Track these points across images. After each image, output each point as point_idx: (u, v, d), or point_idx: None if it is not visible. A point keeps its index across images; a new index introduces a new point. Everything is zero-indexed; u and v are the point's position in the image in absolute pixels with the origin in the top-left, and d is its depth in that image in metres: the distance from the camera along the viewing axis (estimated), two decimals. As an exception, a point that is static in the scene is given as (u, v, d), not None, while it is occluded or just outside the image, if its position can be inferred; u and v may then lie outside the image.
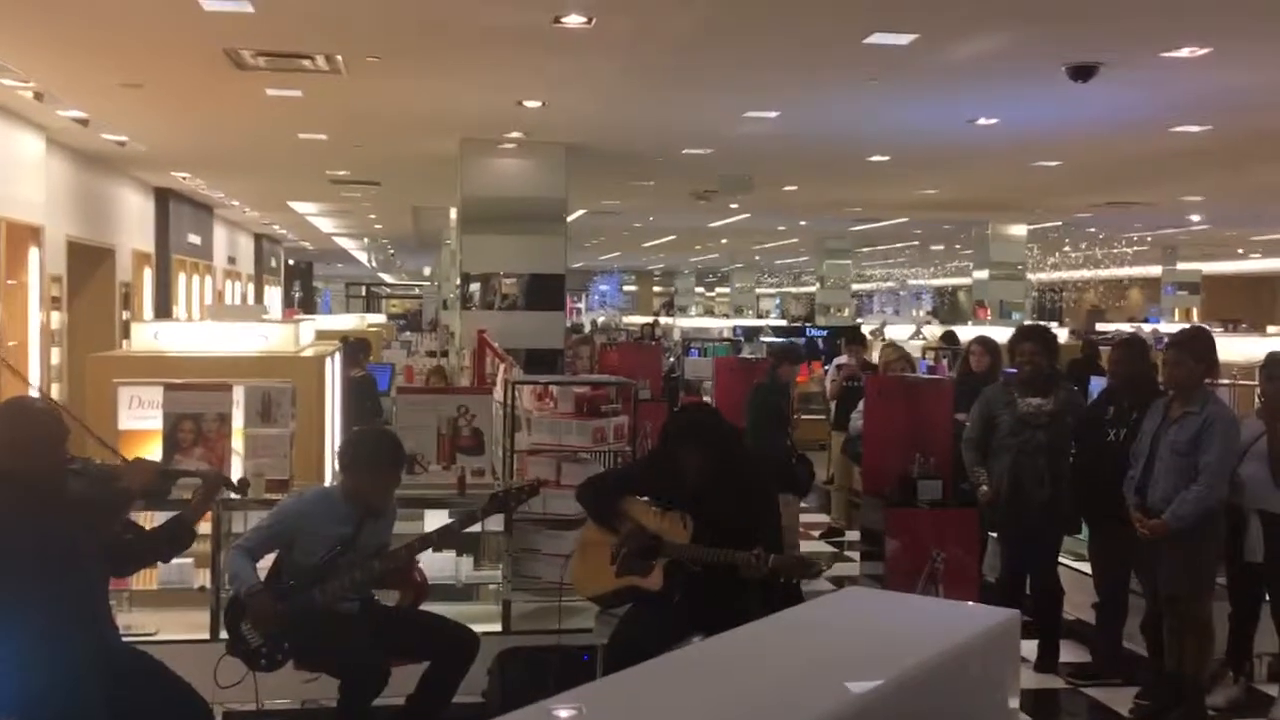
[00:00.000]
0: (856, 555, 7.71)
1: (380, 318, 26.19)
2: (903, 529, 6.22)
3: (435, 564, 5.14)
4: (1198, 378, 5.12)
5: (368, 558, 4.37)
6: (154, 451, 5.35)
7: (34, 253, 10.02)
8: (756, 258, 33.17)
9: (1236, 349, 8.44)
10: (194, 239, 17.52)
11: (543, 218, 11.15)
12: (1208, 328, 6.93)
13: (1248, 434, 5.32)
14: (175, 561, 5.00)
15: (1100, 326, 22.24)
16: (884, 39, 6.87)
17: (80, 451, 4.67)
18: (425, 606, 4.70)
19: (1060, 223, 20.08)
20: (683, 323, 26.25)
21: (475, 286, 11.06)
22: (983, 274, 20.04)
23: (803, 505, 9.05)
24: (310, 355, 6.70)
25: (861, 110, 9.48)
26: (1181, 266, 28.01)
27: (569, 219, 13.16)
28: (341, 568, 4.32)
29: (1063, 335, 15.90)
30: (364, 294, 43.59)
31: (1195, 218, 19.06)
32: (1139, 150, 11.16)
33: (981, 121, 9.69)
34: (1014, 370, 6.28)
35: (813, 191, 15.69)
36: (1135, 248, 24.58)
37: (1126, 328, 20.17)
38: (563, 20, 6.49)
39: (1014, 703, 2.09)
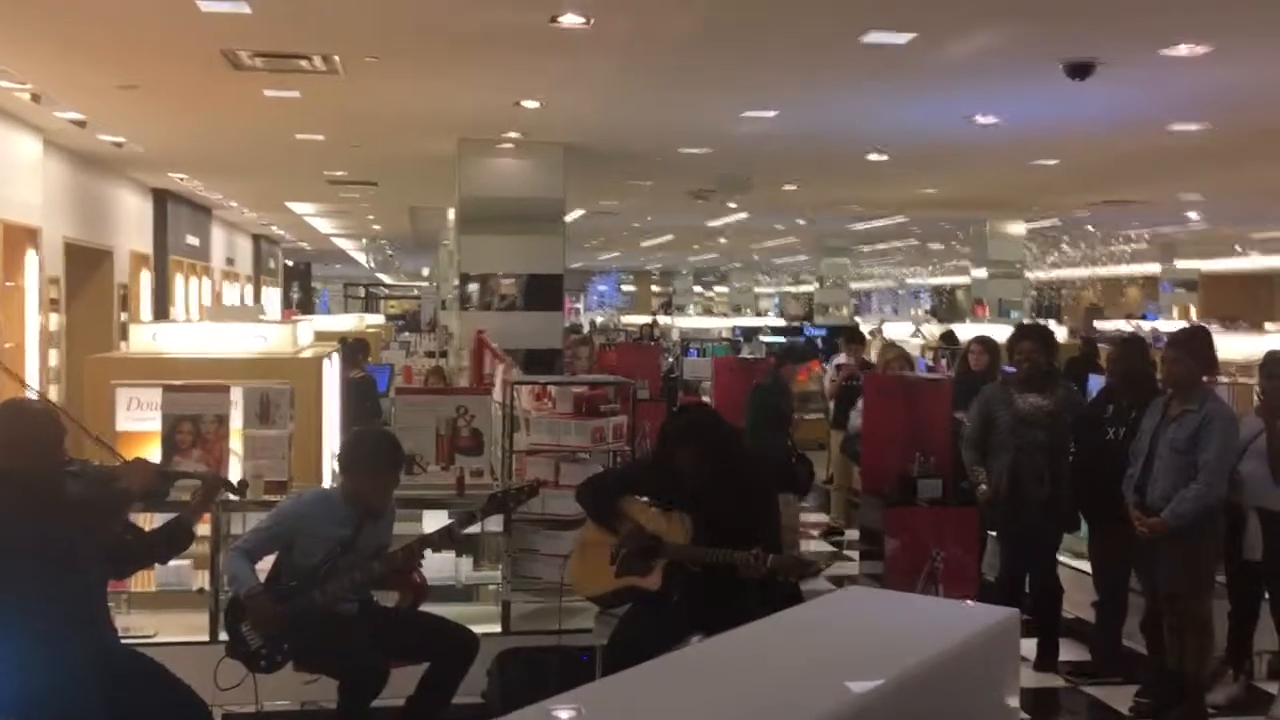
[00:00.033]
0: (856, 554, 7.70)
1: (379, 318, 26.20)
2: (902, 528, 6.22)
3: (434, 565, 5.12)
4: (1196, 376, 5.12)
5: (367, 559, 4.37)
6: (153, 453, 5.34)
7: (31, 255, 10.01)
8: (755, 257, 33.16)
9: (1235, 347, 8.42)
10: (192, 240, 17.51)
11: (541, 218, 11.14)
12: (1206, 326, 6.93)
13: (1246, 432, 5.32)
14: (174, 563, 5.01)
15: (1099, 325, 22.21)
16: (882, 38, 6.86)
17: (79, 453, 4.67)
18: (425, 607, 4.70)
19: (1058, 221, 20.08)
20: (681, 322, 26.26)
21: (473, 287, 11.05)
22: (981, 272, 20.04)
23: (802, 505, 9.05)
24: (309, 356, 6.70)
25: (860, 109, 9.47)
26: (1180, 265, 28.01)
27: (567, 219, 13.15)
28: (341, 569, 4.31)
29: (1061, 333, 15.90)
30: (362, 295, 43.62)
31: (1193, 216, 19.06)
32: (1137, 148, 11.15)
33: (980, 120, 9.68)
34: (1013, 369, 6.28)
35: (811, 191, 15.69)
36: (1133, 246, 24.58)
37: (1125, 326, 20.17)
38: (560, 20, 6.48)
39: (1014, 702, 2.09)
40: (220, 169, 14.19)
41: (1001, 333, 8.26)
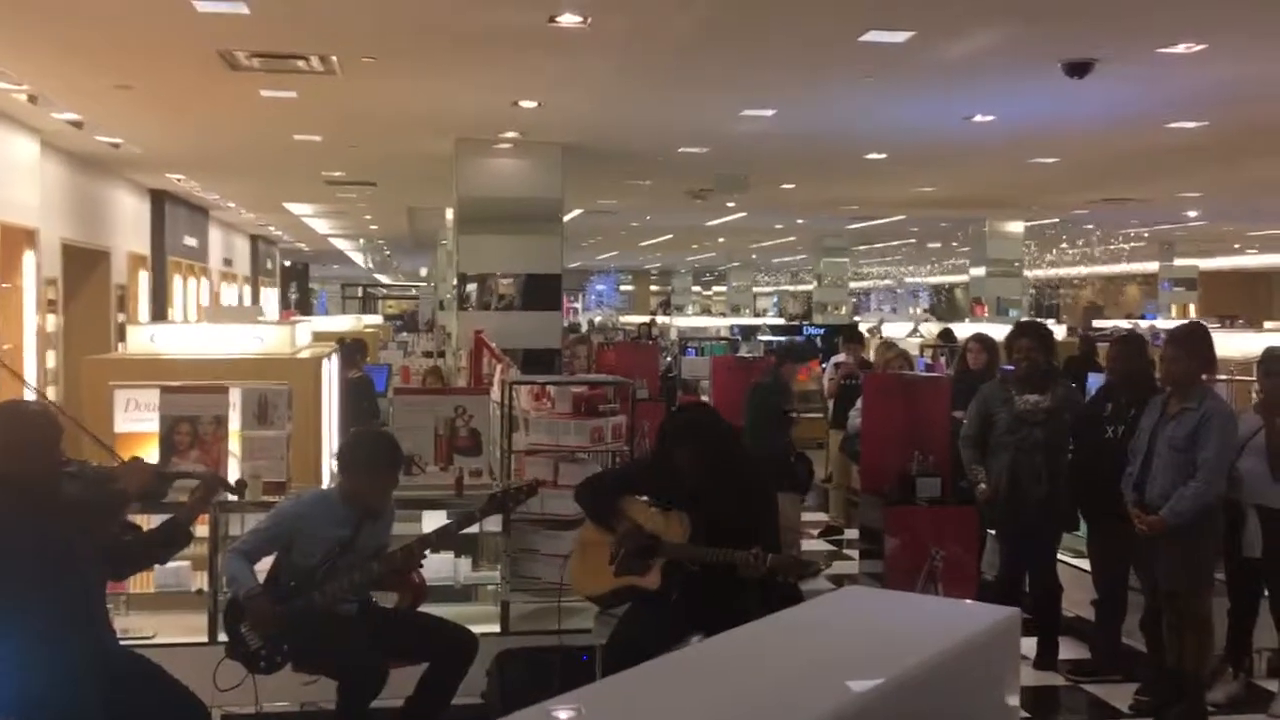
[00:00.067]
0: (855, 554, 7.70)
1: (377, 319, 26.21)
2: (901, 527, 6.22)
3: (433, 565, 5.12)
4: (1195, 374, 5.12)
5: (366, 560, 4.37)
6: (150, 454, 5.34)
7: (29, 256, 10.00)
8: (754, 256, 33.18)
9: (1234, 344, 8.43)
10: (189, 241, 17.50)
11: (539, 218, 11.14)
12: (1205, 323, 6.93)
13: (1245, 429, 5.32)
14: (173, 564, 5.01)
15: (1097, 323, 22.26)
16: (880, 36, 6.86)
17: (77, 453, 4.66)
18: (424, 608, 4.69)
19: (1057, 219, 20.10)
20: (680, 322, 26.25)
21: (472, 287, 11.05)
22: (980, 271, 20.05)
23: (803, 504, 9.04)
24: (307, 357, 6.69)
25: (858, 108, 9.47)
26: (1178, 262, 28.05)
27: (565, 219, 13.15)
28: (340, 570, 4.31)
29: (1060, 332, 15.91)
30: (360, 295, 43.65)
31: (1192, 213, 19.08)
32: (1135, 146, 11.16)
33: (978, 119, 9.69)
34: (1011, 367, 6.28)
35: (810, 190, 15.70)
36: (1132, 244, 24.60)
37: (1124, 324, 20.20)
38: (558, 20, 6.48)
39: (1014, 700, 2.08)
40: (217, 170, 14.19)
41: (1000, 331, 8.25)
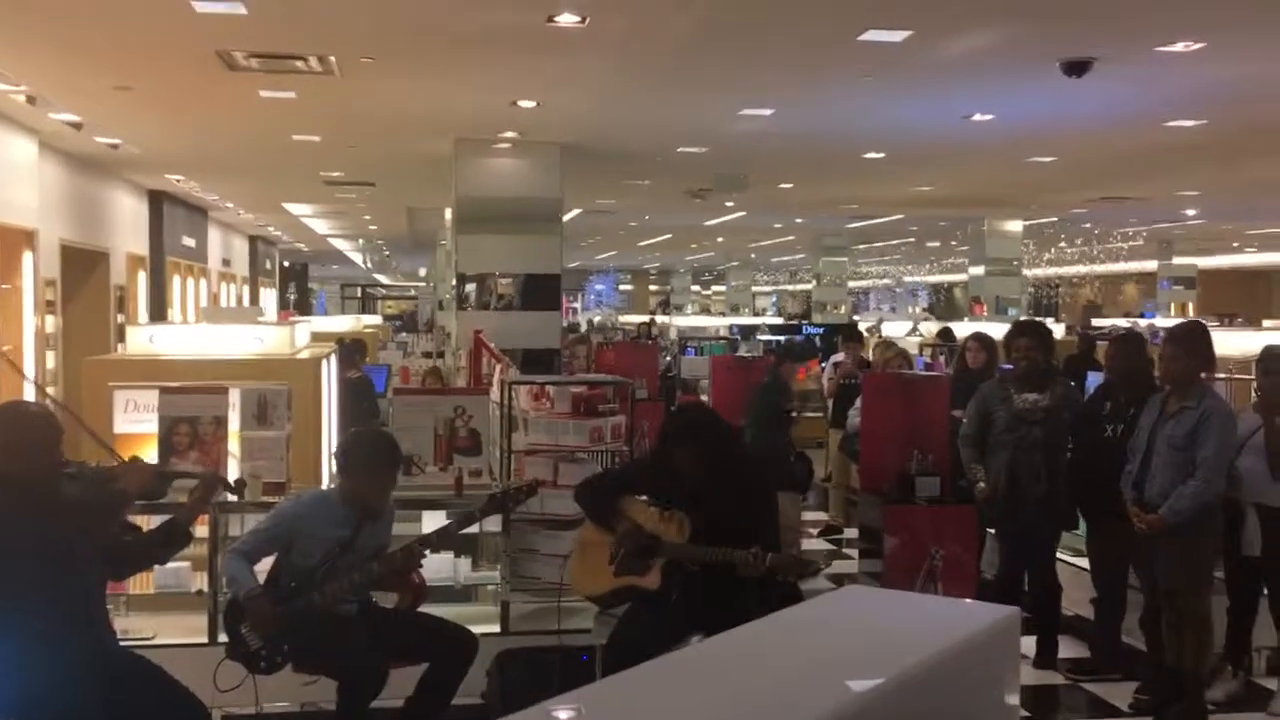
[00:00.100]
0: (855, 553, 7.71)
1: (376, 319, 26.21)
2: (901, 526, 6.23)
3: (433, 565, 5.12)
4: (1194, 372, 5.12)
5: (366, 560, 4.37)
6: (150, 455, 5.34)
7: (28, 257, 10.00)
8: (753, 255, 33.18)
9: (1233, 343, 8.44)
10: (188, 242, 17.49)
11: (538, 217, 11.14)
12: (1203, 322, 6.93)
13: (1245, 428, 5.33)
14: (172, 565, 5.01)
15: (1096, 322, 22.25)
16: (878, 36, 6.86)
17: (77, 453, 4.66)
18: (424, 608, 4.69)
19: (1056, 218, 20.10)
20: (679, 321, 26.25)
21: (471, 287, 11.05)
22: (979, 270, 20.06)
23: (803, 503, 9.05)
24: (306, 357, 6.69)
25: (856, 107, 9.47)
26: (1177, 261, 28.05)
27: (564, 218, 13.15)
28: (340, 570, 4.31)
29: (1059, 331, 15.91)
30: (360, 295, 43.64)
31: (1190, 212, 19.08)
32: (1134, 145, 11.16)
33: (976, 118, 9.69)
34: (1010, 366, 6.28)
35: (808, 189, 15.69)
36: (1131, 243, 24.60)
37: (1123, 323, 20.20)
38: (557, 20, 6.48)
39: (1014, 700, 2.08)
40: (216, 170, 14.18)
41: (999, 330, 8.26)
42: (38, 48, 7.42)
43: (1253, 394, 5.96)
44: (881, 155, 12.00)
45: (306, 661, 4.34)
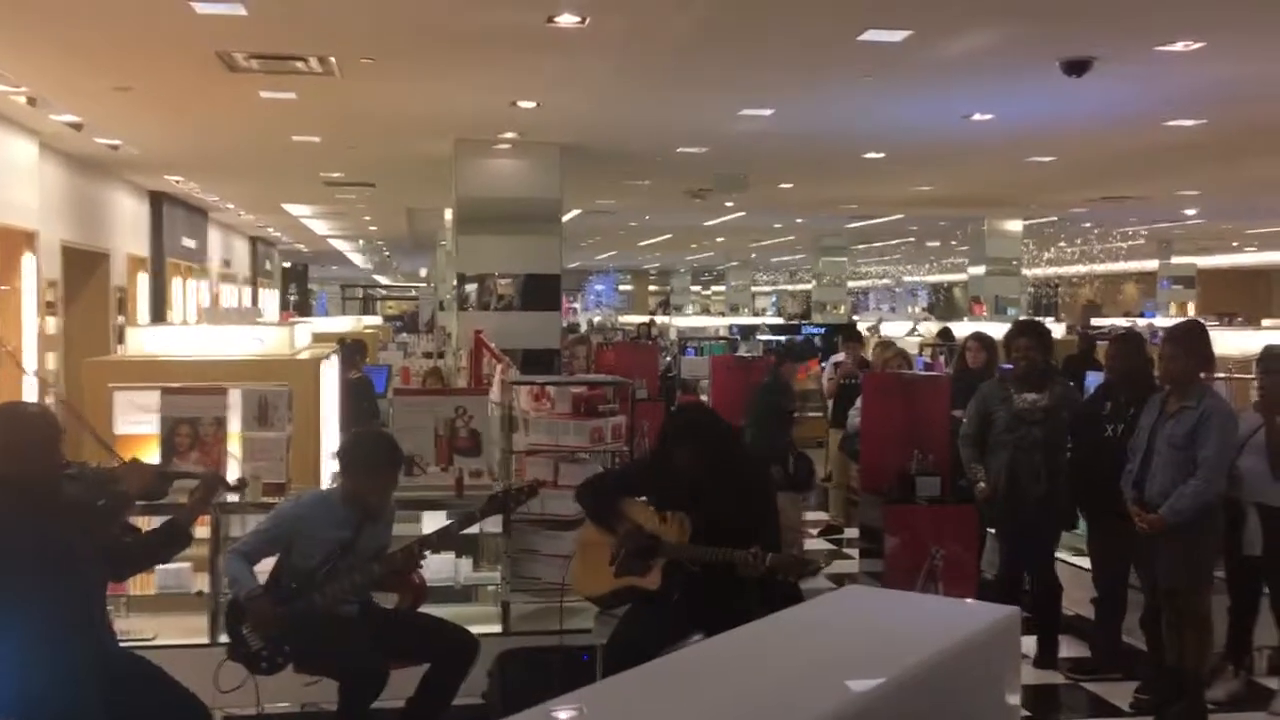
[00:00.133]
0: (855, 553, 7.71)
1: (376, 319, 26.20)
2: (901, 526, 6.23)
3: (434, 566, 5.13)
4: (1193, 372, 5.11)
5: (367, 561, 4.37)
6: (151, 456, 5.34)
7: (29, 258, 10.00)
8: (753, 255, 33.19)
9: (1232, 342, 8.43)
10: (188, 243, 17.50)
11: (538, 218, 11.15)
12: (1202, 321, 6.93)
13: (1245, 427, 5.33)
14: (173, 566, 5.01)
15: (1096, 321, 22.26)
16: (878, 36, 6.87)
17: (78, 454, 4.67)
18: (424, 608, 4.69)
19: (1055, 218, 20.11)
20: (679, 321, 26.25)
21: (471, 287, 11.05)
22: (978, 270, 20.07)
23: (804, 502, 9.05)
24: (306, 358, 6.69)
25: (856, 107, 9.48)
26: (1177, 260, 28.06)
27: (564, 219, 13.16)
28: (341, 571, 4.31)
29: (1059, 330, 15.91)
30: (360, 296, 43.63)
31: (1190, 212, 19.08)
32: (1134, 145, 11.16)
33: (976, 117, 9.69)
34: (1010, 366, 6.28)
35: (808, 189, 15.70)
36: (1130, 242, 24.61)
37: (1122, 322, 20.20)
38: (556, 20, 6.48)
39: (1015, 699, 2.08)
40: (216, 171, 14.19)
41: (999, 330, 8.26)
42: (38, 49, 7.43)
43: (1253, 393, 5.96)
44: (881, 155, 12.00)
45: (307, 662, 4.34)
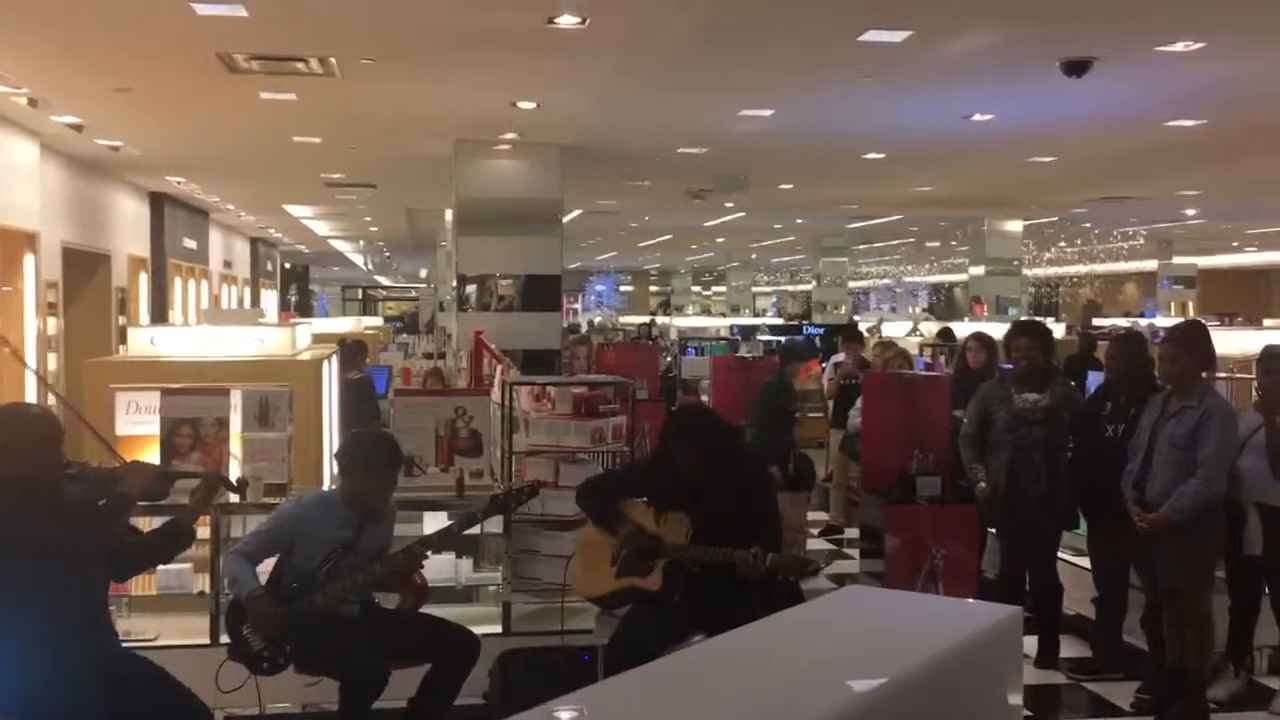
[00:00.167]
0: (856, 553, 7.71)
1: (377, 320, 26.19)
2: (902, 526, 6.23)
3: (435, 566, 5.13)
4: (1193, 372, 5.11)
5: (368, 561, 4.37)
6: (152, 456, 5.34)
7: (29, 259, 10.01)
8: (753, 256, 33.19)
9: (1233, 342, 8.44)
10: (189, 243, 17.51)
11: (538, 218, 11.15)
12: (1202, 321, 6.93)
13: (1245, 427, 5.33)
14: (174, 566, 5.01)
15: (1097, 321, 22.26)
16: (878, 36, 6.87)
17: (79, 454, 4.67)
18: (425, 609, 4.70)
19: (1056, 218, 20.10)
20: (679, 322, 26.25)
21: (471, 288, 11.05)
22: (979, 270, 20.07)
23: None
24: (307, 358, 6.69)
25: (856, 108, 9.48)
26: (1177, 260, 28.04)
27: (564, 219, 13.16)
28: (342, 571, 4.31)
29: (1059, 330, 15.90)
30: (360, 297, 43.62)
31: (1190, 212, 19.08)
32: (1134, 145, 11.16)
33: (976, 118, 9.69)
34: (1010, 366, 6.28)
35: (808, 189, 15.70)
36: (1131, 242, 24.60)
37: (1123, 322, 20.20)
38: (556, 21, 6.49)
39: (1016, 699, 2.08)
40: (217, 172, 14.19)
41: (999, 330, 8.26)
42: (39, 50, 7.43)
43: (1253, 393, 5.96)
44: (881, 155, 12.00)
45: (308, 662, 4.34)
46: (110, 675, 3.57)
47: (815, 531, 9.40)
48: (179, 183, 14.90)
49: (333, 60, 7.55)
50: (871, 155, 11.98)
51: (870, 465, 6.91)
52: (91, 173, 12.69)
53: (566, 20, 6.48)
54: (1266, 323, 13.21)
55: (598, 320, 29.32)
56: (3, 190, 9.48)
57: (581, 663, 4.87)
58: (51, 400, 7.10)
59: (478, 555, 5.74)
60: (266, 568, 4.40)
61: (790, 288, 42.37)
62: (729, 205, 17.76)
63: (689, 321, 27.25)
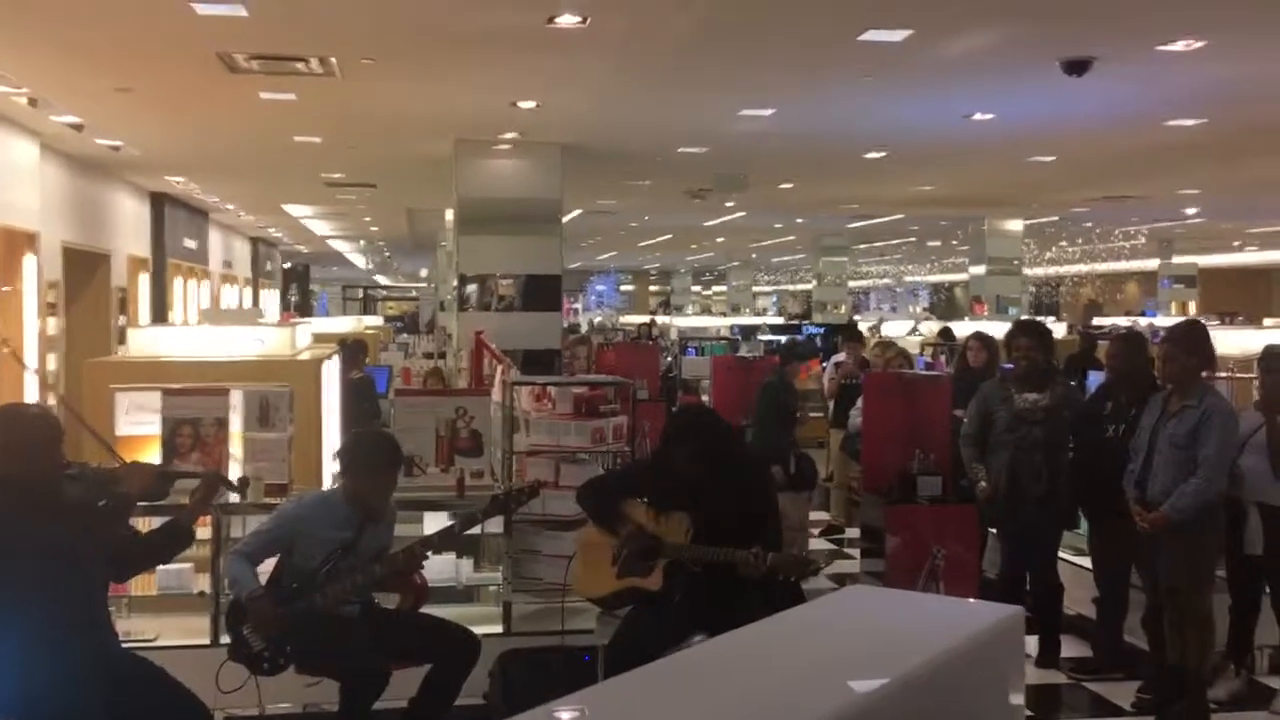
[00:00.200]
0: (856, 552, 7.70)
1: (377, 320, 26.19)
2: (902, 526, 6.22)
3: (435, 566, 5.13)
4: (1193, 371, 5.11)
5: (368, 561, 4.37)
6: (152, 457, 5.34)
7: (30, 259, 10.00)
8: (753, 255, 33.18)
9: (1233, 342, 8.42)
10: (189, 243, 17.50)
11: (538, 218, 11.15)
12: (1202, 321, 6.92)
13: (1246, 426, 5.33)
14: (174, 567, 5.02)
15: (1097, 320, 22.25)
16: (878, 35, 6.86)
17: (78, 455, 4.67)
18: (426, 609, 4.70)
19: (1056, 217, 20.10)
20: (680, 322, 26.24)
21: (472, 288, 11.05)
22: (979, 269, 20.06)
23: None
24: (307, 358, 6.69)
25: (857, 107, 9.47)
26: (1177, 260, 28.02)
27: (565, 219, 13.15)
28: (342, 571, 4.31)
29: (1060, 330, 15.90)
30: (361, 297, 43.63)
31: (1191, 211, 19.07)
32: (1134, 144, 11.16)
33: (977, 117, 9.69)
34: (1011, 366, 6.28)
35: (808, 189, 15.69)
36: (1131, 242, 24.59)
37: (1123, 322, 20.19)
38: (556, 21, 6.48)
39: (1018, 699, 2.08)
40: (217, 172, 14.19)
41: (1000, 330, 8.25)
42: (39, 50, 7.42)
43: (1254, 393, 5.96)
44: (882, 155, 12.00)
45: (309, 663, 4.34)
46: (110, 676, 3.57)
47: (816, 531, 9.40)
48: (179, 183, 14.89)
49: (333, 60, 7.54)
50: (872, 155, 11.97)
51: (871, 465, 6.90)
52: (91, 172, 12.69)
53: (566, 20, 6.48)
54: (1267, 322, 13.20)
55: (598, 320, 29.32)
56: (3, 190, 9.48)
57: (582, 663, 4.87)
58: (51, 401, 7.10)
59: (478, 555, 5.74)
60: (267, 568, 4.40)
61: (790, 287, 42.36)
62: (729, 205, 17.75)
63: (689, 321, 27.24)
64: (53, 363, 10.57)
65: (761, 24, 6.73)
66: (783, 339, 17.07)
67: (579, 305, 42.03)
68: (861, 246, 27.91)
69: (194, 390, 5.52)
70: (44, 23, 6.71)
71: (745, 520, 4.36)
